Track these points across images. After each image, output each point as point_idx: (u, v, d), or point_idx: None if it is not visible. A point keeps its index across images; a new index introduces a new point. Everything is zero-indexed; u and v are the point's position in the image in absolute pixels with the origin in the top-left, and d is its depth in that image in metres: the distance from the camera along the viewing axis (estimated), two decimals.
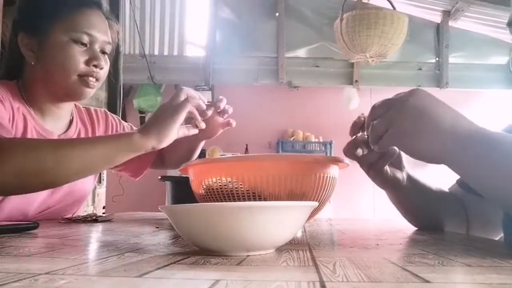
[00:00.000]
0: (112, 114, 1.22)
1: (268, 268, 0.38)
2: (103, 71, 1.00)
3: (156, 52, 4.28)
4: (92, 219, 0.93)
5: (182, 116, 0.83)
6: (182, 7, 4.35)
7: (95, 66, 0.97)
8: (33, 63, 0.97)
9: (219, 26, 4.32)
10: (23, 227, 0.68)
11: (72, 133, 1.08)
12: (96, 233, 0.73)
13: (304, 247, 0.52)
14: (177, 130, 0.83)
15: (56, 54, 0.95)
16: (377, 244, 0.56)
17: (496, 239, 0.77)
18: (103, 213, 1.44)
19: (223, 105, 0.97)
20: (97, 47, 0.98)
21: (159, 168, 1.25)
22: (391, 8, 2.77)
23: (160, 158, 1.22)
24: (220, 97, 0.98)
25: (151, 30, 4.29)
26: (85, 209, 1.19)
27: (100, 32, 0.98)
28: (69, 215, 1.05)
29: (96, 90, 1.01)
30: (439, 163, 0.57)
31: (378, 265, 0.39)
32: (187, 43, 4.38)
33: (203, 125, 0.90)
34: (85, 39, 0.96)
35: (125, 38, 4.07)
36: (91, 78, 0.97)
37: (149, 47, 4.26)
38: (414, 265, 0.39)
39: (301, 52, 4.30)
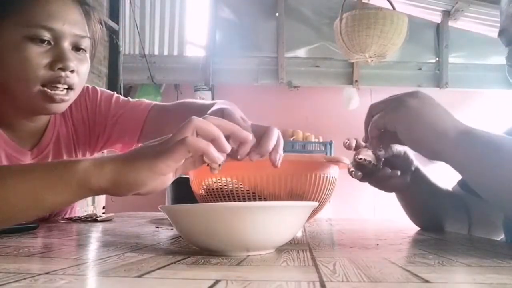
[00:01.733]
0: (95, 87, 0.96)
1: (268, 268, 0.38)
2: (78, 74, 0.78)
3: (156, 52, 4.27)
4: (92, 219, 0.93)
5: (164, 166, 0.49)
6: (182, 7, 4.34)
7: (62, 69, 0.75)
8: None
9: (219, 26, 4.32)
10: (23, 227, 0.68)
11: (48, 140, 0.89)
12: (96, 233, 0.73)
13: (304, 247, 0.52)
14: (149, 181, 0.51)
15: (9, 58, 0.74)
16: (377, 244, 0.56)
17: (497, 239, 0.77)
18: (103, 213, 1.44)
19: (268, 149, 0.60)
20: (66, 44, 0.76)
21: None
22: (391, 8, 2.77)
23: (154, 128, 0.94)
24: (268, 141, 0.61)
25: (151, 30, 4.29)
26: (85, 209, 1.19)
27: (67, 24, 0.76)
28: (67, 215, 1.04)
29: (72, 99, 0.79)
30: (437, 158, 0.58)
31: (378, 265, 0.39)
32: (187, 43, 4.38)
33: (215, 170, 0.53)
34: (45, 35, 0.74)
35: (125, 38, 4.07)
36: (58, 86, 0.75)
37: (149, 47, 4.26)
38: (414, 265, 0.39)
39: (301, 52, 4.30)
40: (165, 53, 4.30)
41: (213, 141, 0.50)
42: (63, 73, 0.75)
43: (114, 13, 3.62)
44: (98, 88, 0.97)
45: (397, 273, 0.36)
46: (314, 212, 0.81)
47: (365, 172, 0.70)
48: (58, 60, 0.74)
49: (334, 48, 3.98)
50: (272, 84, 4.25)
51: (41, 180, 0.52)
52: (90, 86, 0.96)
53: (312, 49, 4.27)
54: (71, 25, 0.77)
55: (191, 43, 4.42)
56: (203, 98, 4.16)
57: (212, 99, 4.18)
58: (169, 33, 4.32)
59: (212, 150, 0.49)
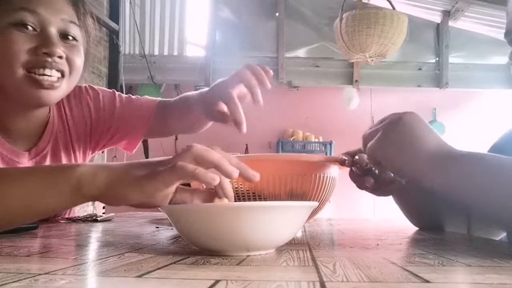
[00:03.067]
0: (93, 87, 0.95)
1: (268, 268, 0.38)
2: (70, 62, 0.75)
3: (156, 52, 4.28)
4: (92, 219, 0.93)
5: (152, 189, 0.49)
6: (182, 7, 4.35)
7: (47, 54, 0.71)
8: None
9: (219, 26, 4.33)
10: (23, 227, 0.68)
11: (46, 142, 0.86)
12: (96, 233, 0.73)
13: (304, 247, 0.52)
14: (137, 199, 0.51)
15: None
16: (377, 244, 0.56)
17: (497, 239, 0.77)
18: (103, 213, 1.44)
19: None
20: (52, 30, 0.73)
21: (156, 136, 1.02)
22: (391, 8, 2.77)
23: (160, 124, 0.97)
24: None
25: (151, 30, 4.29)
26: (85, 209, 1.18)
27: (52, 9, 0.73)
28: (66, 216, 1.04)
29: (64, 87, 0.76)
30: (420, 182, 0.59)
31: (378, 265, 0.39)
32: (187, 43, 4.38)
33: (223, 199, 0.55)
34: (29, 19, 0.71)
35: (125, 38, 4.07)
36: (46, 72, 0.72)
37: (149, 47, 4.26)
38: (414, 265, 0.39)
39: (301, 52, 4.30)
40: (165, 53, 4.30)
41: (216, 167, 0.50)
42: (49, 58, 0.72)
43: (114, 13, 3.62)
44: (96, 87, 0.95)
45: (397, 273, 0.36)
46: (314, 212, 0.81)
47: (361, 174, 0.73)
48: (42, 45, 0.71)
49: (334, 48, 3.99)
50: (272, 84, 4.25)
51: (36, 185, 0.52)
52: (87, 85, 0.94)
53: (312, 49, 4.28)
54: (57, 11, 0.74)
55: (191, 43, 4.42)
56: None
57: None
58: (169, 33, 4.32)
59: (202, 173, 0.47)
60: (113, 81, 3.50)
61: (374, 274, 0.35)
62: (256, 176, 0.53)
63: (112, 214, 1.03)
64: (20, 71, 0.71)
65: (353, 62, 3.74)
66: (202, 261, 0.42)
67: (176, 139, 4.42)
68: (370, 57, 2.79)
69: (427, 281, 0.32)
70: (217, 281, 0.32)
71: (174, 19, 4.32)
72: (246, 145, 4.40)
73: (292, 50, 4.26)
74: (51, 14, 0.73)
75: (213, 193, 0.58)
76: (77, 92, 0.92)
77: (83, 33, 0.80)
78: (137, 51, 4.21)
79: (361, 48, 2.71)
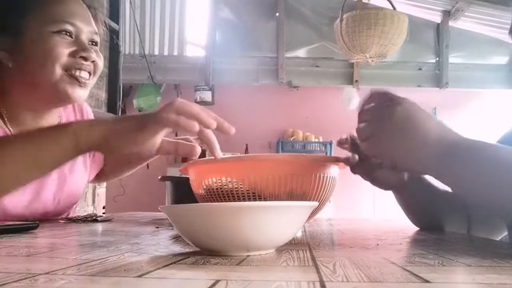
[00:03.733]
0: (91, 113, 1.08)
1: (268, 268, 0.38)
2: (96, 65, 0.87)
3: (156, 52, 4.28)
4: (92, 219, 0.93)
5: (141, 139, 0.62)
6: (182, 7, 4.35)
7: (84, 58, 0.84)
8: (10, 65, 0.84)
9: (219, 26, 4.33)
10: (23, 227, 0.68)
11: None
12: (96, 233, 0.73)
13: (304, 247, 0.52)
14: (128, 148, 0.63)
15: (35, 51, 0.82)
16: (377, 244, 0.56)
17: (497, 239, 0.77)
18: (103, 213, 1.43)
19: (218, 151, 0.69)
20: (84, 38, 0.86)
21: (95, 182, 1.17)
22: (391, 8, 2.77)
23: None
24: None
25: (151, 30, 4.29)
26: (85, 209, 1.19)
27: (84, 22, 0.86)
28: (64, 216, 1.03)
29: (90, 86, 0.88)
30: (423, 174, 0.59)
31: (378, 265, 0.39)
32: (187, 43, 4.38)
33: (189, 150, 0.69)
34: (69, 28, 0.83)
35: (125, 38, 4.07)
36: (82, 73, 0.84)
37: (149, 47, 4.26)
38: (414, 265, 0.39)
39: (301, 52, 4.30)
40: (165, 53, 4.30)
41: (196, 118, 0.61)
42: (84, 62, 0.85)
43: (114, 13, 3.62)
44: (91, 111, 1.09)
45: (397, 273, 0.36)
46: (314, 212, 0.81)
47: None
48: (80, 50, 0.84)
49: (334, 48, 3.99)
50: (272, 84, 4.25)
51: (37, 145, 0.63)
52: (89, 108, 1.09)
53: (312, 49, 4.28)
54: (87, 22, 0.87)
55: (191, 43, 4.42)
56: (203, 98, 4.16)
57: (212, 99, 4.18)
58: (169, 33, 4.32)
59: (183, 121, 0.60)
60: (113, 81, 3.50)
61: (374, 274, 0.35)
62: (231, 128, 0.64)
63: (112, 214, 1.03)
64: (59, 71, 0.83)
65: (353, 62, 3.74)
66: (202, 261, 0.42)
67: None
68: (371, 57, 2.79)
69: (427, 281, 0.32)
70: (217, 281, 0.32)
71: (174, 19, 4.32)
72: (246, 145, 4.40)
73: (292, 50, 4.26)
74: (83, 26, 0.86)
75: (195, 146, 0.70)
76: (78, 109, 1.05)
77: (99, 36, 0.92)
78: (137, 51, 4.21)
79: (361, 49, 2.71)
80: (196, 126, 0.59)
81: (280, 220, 0.44)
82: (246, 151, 4.34)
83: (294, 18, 4.27)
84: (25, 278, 0.32)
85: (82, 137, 0.61)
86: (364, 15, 2.66)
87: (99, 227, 0.83)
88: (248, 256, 0.44)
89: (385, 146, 0.59)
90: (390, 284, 0.32)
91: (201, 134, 0.66)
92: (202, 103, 4.18)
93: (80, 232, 0.72)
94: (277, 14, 4.24)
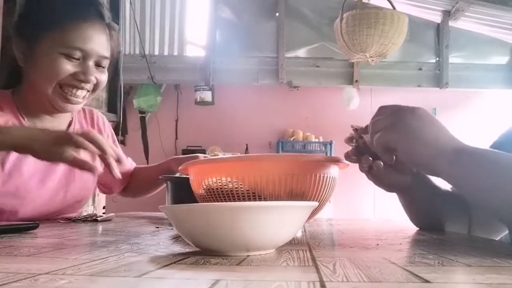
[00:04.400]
0: (111, 130, 1.20)
1: (268, 268, 0.38)
2: (98, 82, 0.96)
3: (156, 52, 4.28)
4: (92, 219, 0.93)
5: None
6: (182, 7, 4.34)
7: (82, 81, 0.93)
8: (22, 65, 0.95)
9: (219, 26, 4.32)
10: (23, 227, 0.68)
11: None
12: (96, 233, 0.73)
13: (304, 247, 0.52)
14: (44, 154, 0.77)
15: (42, 64, 0.92)
16: (377, 244, 0.56)
17: (497, 239, 0.77)
18: (103, 213, 1.44)
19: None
20: (91, 62, 0.94)
21: (125, 196, 1.30)
22: (391, 8, 2.77)
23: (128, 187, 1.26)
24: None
25: (151, 30, 4.29)
26: (85, 209, 1.19)
27: (96, 46, 0.93)
28: (70, 215, 1.05)
29: (85, 101, 0.98)
30: (433, 171, 0.61)
31: (378, 265, 0.39)
32: (187, 43, 4.38)
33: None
34: (77, 54, 0.92)
35: (125, 38, 4.07)
36: (78, 92, 0.94)
37: (149, 47, 4.26)
38: (414, 265, 0.39)
39: (301, 52, 4.30)
40: (165, 53, 4.30)
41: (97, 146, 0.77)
42: (82, 84, 0.93)
43: (114, 13, 3.61)
44: (111, 130, 1.20)
45: (397, 273, 0.36)
46: (314, 212, 0.81)
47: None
48: (81, 73, 0.92)
49: (334, 48, 3.98)
50: (272, 84, 4.25)
51: None
52: (105, 119, 1.19)
53: (312, 49, 4.27)
54: (98, 47, 0.94)
55: (191, 43, 4.42)
56: (203, 98, 4.16)
57: (212, 99, 4.18)
58: (169, 33, 4.32)
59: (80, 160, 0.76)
60: (113, 81, 3.49)
61: (374, 274, 0.35)
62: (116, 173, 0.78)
63: (112, 214, 1.03)
64: (56, 88, 0.92)
65: (353, 62, 3.73)
66: (202, 261, 0.42)
67: (176, 138, 4.42)
68: (371, 57, 2.79)
69: (427, 281, 0.32)
70: (217, 281, 0.32)
71: (174, 19, 4.32)
72: (246, 145, 4.40)
73: (292, 50, 4.26)
74: (93, 51, 0.93)
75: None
76: (88, 114, 1.14)
77: (115, 54, 1.01)
78: (137, 51, 4.21)
79: (361, 48, 2.71)
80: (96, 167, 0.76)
81: (280, 220, 0.44)
82: (246, 151, 4.34)
83: (294, 18, 4.26)
84: (25, 278, 0.32)
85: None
86: (364, 15, 2.66)
87: (99, 227, 0.83)
88: (248, 256, 0.45)
89: (401, 138, 0.60)
90: (390, 284, 0.32)
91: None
92: (202, 103, 4.18)
93: (80, 232, 0.72)
94: (277, 14, 4.24)
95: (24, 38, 0.94)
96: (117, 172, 0.79)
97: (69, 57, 0.91)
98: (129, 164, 1.27)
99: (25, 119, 0.98)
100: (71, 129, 1.06)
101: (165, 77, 4.23)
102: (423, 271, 0.36)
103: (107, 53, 0.97)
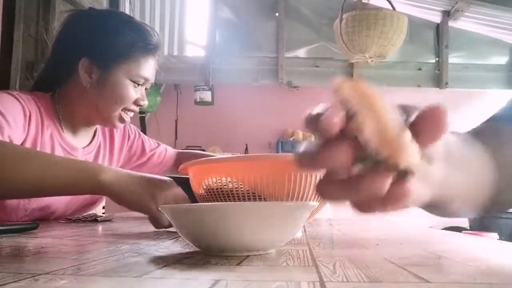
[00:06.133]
0: (131, 126, 1.26)
1: (268, 268, 0.38)
2: (143, 107, 1.09)
3: None
4: (92, 219, 0.94)
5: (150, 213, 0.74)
6: (182, 7, 4.34)
7: (140, 105, 1.06)
8: (87, 86, 1.01)
9: (219, 26, 4.32)
10: (23, 227, 0.68)
11: (94, 146, 1.13)
12: (96, 233, 0.73)
13: (304, 247, 0.52)
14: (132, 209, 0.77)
15: (113, 89, 1.02)
16: (377, 244, 0.56)
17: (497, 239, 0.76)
18: (103, 213, 1.44)
19: None
20: (145, 87, 1.07)
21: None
22: (391, 8, 2.77)
23: (171, 170, 1.31)
24: None
25: None
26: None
27: (150, 75, 1.07)
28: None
29: None
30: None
31: (378, 265, 0.39)
32: (187, 43, 4.38)
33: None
34: (142, 81, 1.04)
35: None
36: (129, 113, 1.06)
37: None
38: (414, 265, 0.39)
39: (301, 52, 4.29)
40: (165, 53, 4.29)
41: None
42: (136, 108, 1.07)
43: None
44: (133, 128, 1.28)
45: (397, 273, 0.36)
46: (314, 212, 0.81)
47: None
48: (141, 99, 1.06)
49: (334, 48, 3.98)
50: (272, 84, 4.25)
51: (59, 178, 0.77)
52: (132, 126, 1.27)
53: (312, 49, 4.27)
54: (152, 75, 1.08)
55: (191, 43, 4.41)
56: (203, 98, 4.16)
57: (212, 99, 4.18)
58: (169, 33, 4.31)
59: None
60: None
61: (374, 274, 0.35)
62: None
63: (112, 214, 1.03)
64: (119, 112, 1.04)
65: (353, 63, 3.73)
66: (202, 261, 0.42)
67: (176, 138, 4.42)
68: (370, 57, 2.79)
69: (427, 281, 0.32)
70: (217, 281, 0.32)
71: (174, 19, 4.32)
72: (246, 145, 4.40)
73: (292, 50, 4.26)
74: (149, 78, 1.06)
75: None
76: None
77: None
78: None
79: (361, 49, 2.71)
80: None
81: (280, 220, 0.44)
82: (246, 151, 4.34)
83: (294, 18, 4.26)
84: (25, 278, 0.32)
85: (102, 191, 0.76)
86: (363, 15, 2.66)
87: (99, 227, 0.83)
88: (248, 256, 0.44)
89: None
90: (390, 284, 0.32)
91: None
92: (202, 103, 4.18)
93: (80, 232, 0.72)
94: (277, 14, 4.24)
95: (97, 63, 1.01)
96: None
97: (135, 83, 1.03)
98: (163, 154, 1.31)
99: (63, 126, 1.05)
100: (96, 137, 1.14)
101: (165, 77, 4.21)
102: (423, 271, 0.36)
103: (153, 79, 1.10)
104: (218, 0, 4.30)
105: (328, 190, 0.32)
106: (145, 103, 1.07)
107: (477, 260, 0.43)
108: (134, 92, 1.03)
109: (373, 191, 0.30)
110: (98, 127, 1.15)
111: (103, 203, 1.44)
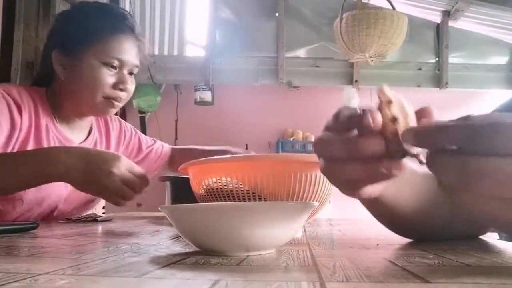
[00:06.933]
0: (127, 124, 1.28)
1: (268, 268, 0.38)
2: (128, 92, 1.05)
3: (156, 52, 4.27)
4: (92, 219, 0.94)
5: (113, 201, 0.89)
6: (182, 7, 4.34)
7: (121, 89, 1.02)
8: (62, 78, 1.02)
9: (219, 26, 4.32)
10: (23, 227, 0.68)
11: (90, 142, 1.13)
12: (96, 233, 0.73)
13: (304, 247, 0.52)
14: (98, 196, 0.95)
15: (86, 75, 1.00)
16: (377, 244, 0.56)
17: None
18: (103, 213, 1.44)
19: None
20: (125, 70, 1.03)
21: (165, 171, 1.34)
22: (391, 8, 2.77)
23: (167, 166, 1.33)
24: None
25: (151, 30, 4.28)
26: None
27: (130, 56, 1.03)
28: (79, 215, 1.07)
29: (118, 109, 1.08)
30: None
31: (378, 265, 0.39)
32: (187, 43, 4.38)
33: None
34: (116, 63, 1.01)
35: None
36: (115, 102, 1.03)
37: (149, 47, 4.25)
38: (414, 265, 0.39)
39: (301, 52, 4.29)
40: (165, 53, 4.30)
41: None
42: (120, 93, 1.03)
43: None
44: (129, 126, 1.28)
45: (397, 273, 0.36)
46: (314, 212, 0.81)
47: None
48: (120, 82, 1.02)
49: (334, 48, 3.98)
50: (272, 84, 4.25)
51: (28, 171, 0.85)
52: (128, 124, 1.28)
53: (312, 49, 4.27)
54: (132, 57, 1.04)
55: (191, 43, 4.41)
56: (203, 98, 4.16)
57: (212, 99, 4.18)
58: (169, 33, 4.31)
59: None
60: None
61: (374, 274, 0.35)
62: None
63: (112, 214, 1.03)
64: (101, 98, 1.01)
65: (353, 62, 3.73)
66: (202, 261, 0.42)
67: (176, 138, 4.42)
68: (370, 57, 2.79)
69: (427, 281, 0.32)
70: (217, 281, 0.32)
71: (174, 19, 4.32)
72: (246, 145, 4.37)
73: (292, 50, 4.26)
74: (128, 60, 1.03)
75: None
76: (117, 121, 1.24)
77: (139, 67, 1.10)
78: None
79: (361, 48, 2.71)
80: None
81: (280, 220, 0.44)
82: (246, 151, 4.33)
83: (294, 18, 4.26)
84: (25, 278, 0.32)
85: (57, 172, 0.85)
86: (364, 15, 2.66)
87: (99, 227, 0.83)
88: (248, 256, 0.44)
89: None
90: (390, 284, 0.32)
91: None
92: (202, 103, 4.18)
93: (80, 232, 0.72)
94: (277, 14, 4.24)
95: (65, 52, 1.01)
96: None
97: (109, 66, 1.00)
98: (160, 150, 1.32)
99: (57, 119, 1.06)
100: (92, 133, 1.15)
101: (165, 77, 4.23)
102: (423, 271, 0.36)
103: (138, 62, 1.07)
104: (218, 0, 4.30)
105: (344, 171, 0.40)
106: (126, 87, 1.03)
107: (477, 260, 0.43)
108: (109, 76, 1.01)
109: (388, 171, 0.38)
110: (94, 124, 1.16)
111: (103, 203, 1.44)
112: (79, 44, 1.00)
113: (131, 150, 1.27)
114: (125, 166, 0.86)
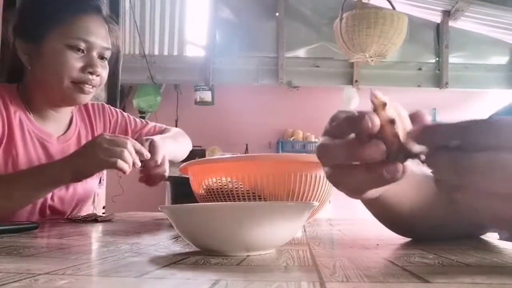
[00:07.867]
0: (111, 107, 1.21)
1: (268, 268, 0.38)
2: (101, 78, 0.99)
3: (156, 52, 4.27)
4: (92, 219, 0.94)
5: (110, 163, 0.86)
6: (182, 7, 4.34)
7: (91, 73, 0.96)
8: (29, 67, 0.97)
9: (219, 26, 4.32)
10: (23, 227, 0.68)
11: (72, 134, 1.08)
12: (96, 233, 0.73)
13: (304, 247, 0.52)
14: (98, 170, 0.90)
15: (50, 60, 0.94)
16: (377, 244, 0.56)
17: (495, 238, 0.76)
18: (103, 213, 1.44)
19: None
20: (95, 53, 0.97)
21: None
22: (391, 8, 2.77)
23: None
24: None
25: (151, 30, 4.29)
26: (84, 209, 1.19)
27: (98, 38, 0.97)
28: (71, 215, 1.06)
29: (94, 94, 1.01)
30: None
31: (378, 265, 0.39)
32: (187, 43, 4.38)
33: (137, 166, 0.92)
34: (82, 45, 0.95)
35: (125, 38, 4.07)
36: (86, 85, 0.97)
37: (149, 47, 4.26)
38: (414, 265, 0.39)
39: (301, 52, 4.30)
40: (165, 53, 4.30)
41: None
42: (90, 76, 0.96)
43: (114, 13, 3.61)
44: (116, 110, 1.21)
45: (397, 273, 0.36)
46: (314, 212, 0.81)
47: None
48: (89, 66, 0.95)
49: (334, 48, 3.98)
50: (272, 84, 4.25)
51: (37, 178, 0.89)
52: (114, 109, 1.21)
53: (312, 49, 4.27)
54: (100, 39, 0.98)
55: (191, 43, 4.42)
56: (203, 98, 4.16)
57: (212, 99, 4.18)
58: (169, 33, 4.32)
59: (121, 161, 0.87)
60: (112, 81, 3.49)
61: (374, 274, 0.35)
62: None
63: (112, 214, 1.03)
64: (68, 83, 0.95)
65: (353, 62, 3.74)
66: (202, 261, 0.42)
67: None
68: (370, 57, 2.79)
69: (427, 281, 0.32)
70: (217, 281, 0.32)
71: (174, 19, 4.32)
72: (246, 145, 4.40)
73: (292, 50, 4.26)
74: (96, 42, 0.97)
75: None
76: (100, 108, 1.17)
77: (113, 52, 1.04)
78: (137, 51, 4.21)
79: (361, 48, 2.71)
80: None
81: (280, 220, 0.44)
82: (246, 151, 4.34)
83: (294, 18, 4.26)
84: (25, 278, 0.32)
85: (57, 177, 0.88)
86: (364, 14, 2.66)
87: (99, 227, 0.83)
88: (248, 256, 0.44)
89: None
90: (390, 284, 0.32)
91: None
92: (202, 103, 4.18)
93: (80, 232, 0.72)
94: (277, 14, 4.24)
95: (28, 39, 0.96)
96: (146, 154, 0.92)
97: (74, 48, 0.94)
98: (152, 131, 1.24)
99: (31, 114, 1.01)
100: (72, 125, 1.10)
101: (165, 77, 4.23)
102: (423, 271, 0.36)
103: (108, 45, 1.00)
104: (218, 0, 4.31)
105: (349, 175, 0.41)
106: (96, 70, 0.96)
107: (477, 260, 0.43)
108: (75, 60, 0.94)
109: (392, 175, 0.39)
110: (77, 116, 1.11)
111: (103, 203, 1.44)
112: (40, 27, 0.95)
113: (118, 133, 1.19)
114: (107, 136, 0.88)
